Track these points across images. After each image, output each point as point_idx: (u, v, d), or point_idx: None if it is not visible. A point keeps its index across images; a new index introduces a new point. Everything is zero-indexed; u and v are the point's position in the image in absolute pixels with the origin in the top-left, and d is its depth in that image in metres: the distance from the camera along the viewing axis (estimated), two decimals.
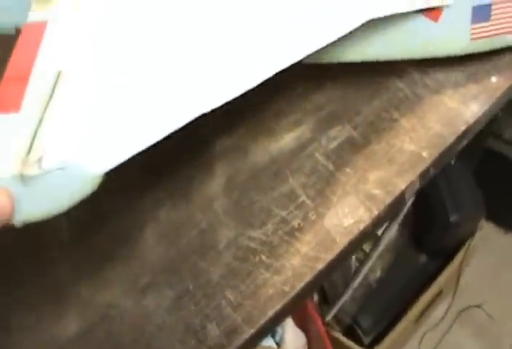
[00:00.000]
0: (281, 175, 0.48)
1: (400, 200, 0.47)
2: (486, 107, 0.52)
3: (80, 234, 0.48)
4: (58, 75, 0.40)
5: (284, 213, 0.46)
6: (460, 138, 0.51)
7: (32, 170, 0.35)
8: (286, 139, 0.50)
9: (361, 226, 0.45)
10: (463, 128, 0.51)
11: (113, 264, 0.46)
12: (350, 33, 0.45)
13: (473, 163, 1.20)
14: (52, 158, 0.36)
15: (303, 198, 0.47)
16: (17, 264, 0.48)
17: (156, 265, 0.44)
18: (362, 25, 0.45)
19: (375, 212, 0.46)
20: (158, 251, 0.44)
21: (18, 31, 0.45)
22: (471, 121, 0.51)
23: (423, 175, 0.49)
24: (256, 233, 0.45)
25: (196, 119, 0.50)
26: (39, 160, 0.36)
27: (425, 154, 0.49)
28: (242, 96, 0.51)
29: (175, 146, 0.49)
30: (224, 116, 0.51)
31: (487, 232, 1.58)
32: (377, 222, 0.46)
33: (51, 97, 0.39)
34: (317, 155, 0.49)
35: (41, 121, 0.38)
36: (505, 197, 1.40)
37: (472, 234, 1.40)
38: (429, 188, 1.21)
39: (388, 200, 0.47)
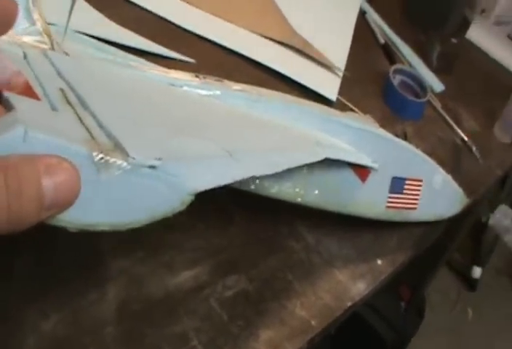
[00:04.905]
0: (175, 313, 0.45)
1: None
2: (370, 287, 0.54)
3: None
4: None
5: None
6: (345, 312, 0.52)
7: (116, 157, 0.26)
8: (184, 277, 0.47)
9: None
10: (349, 304, 0.52)
11: None
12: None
13: None
14: (139, 152, 0.26)
15: (195, 342, 0.44)
16: None
17: None
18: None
19: None
20: None
21: None
22: (357, 298, 0.53)
23: (310, 342, 0.48)
24: None
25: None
26: (121, 148, 0.26)
27: (314, 323, 0.49)
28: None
29: (70, 259, 0.44)
30: (123, 238, 0.47)
31: None
32: None
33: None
34: (212, 301, 0.47)
35: (80, 116, 0.29)
36: None
37: None
38: None
39: None
